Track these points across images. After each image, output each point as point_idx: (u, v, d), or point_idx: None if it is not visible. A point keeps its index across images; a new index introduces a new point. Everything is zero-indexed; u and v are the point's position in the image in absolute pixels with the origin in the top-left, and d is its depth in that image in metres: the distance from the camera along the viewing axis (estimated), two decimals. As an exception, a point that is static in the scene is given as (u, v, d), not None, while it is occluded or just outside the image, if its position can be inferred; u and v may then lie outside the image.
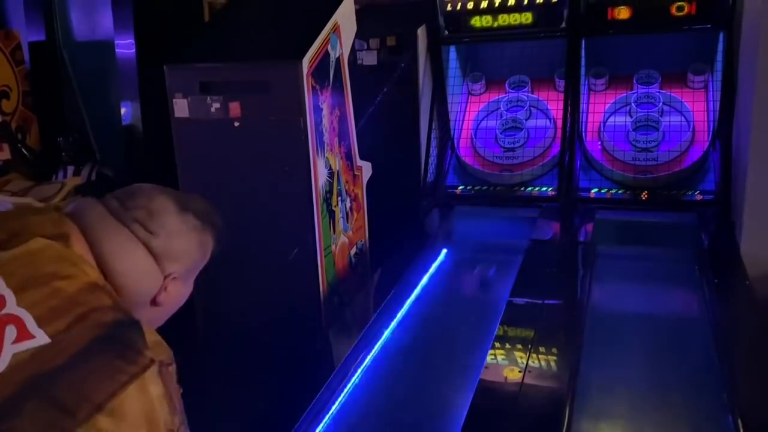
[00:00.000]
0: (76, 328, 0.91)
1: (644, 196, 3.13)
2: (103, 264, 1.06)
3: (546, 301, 2.34)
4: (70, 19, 3.78)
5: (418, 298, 2.68)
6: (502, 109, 3.55)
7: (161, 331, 1.49)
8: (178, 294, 1.19)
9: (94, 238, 1.06)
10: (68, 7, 3.76)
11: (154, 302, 1.15)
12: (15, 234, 0.99)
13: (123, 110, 3.50)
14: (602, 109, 3.40)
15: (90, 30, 3.73)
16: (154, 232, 1.11)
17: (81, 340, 0.90)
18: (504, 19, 3.35)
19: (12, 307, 0.90)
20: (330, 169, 2.56)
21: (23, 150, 3.60)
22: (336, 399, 1.98)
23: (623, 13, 3.15)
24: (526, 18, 3.32)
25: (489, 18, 3.37)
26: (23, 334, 0.88)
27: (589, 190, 3.23)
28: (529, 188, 3.36)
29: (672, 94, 3.31)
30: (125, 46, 3.38)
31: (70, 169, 3.45)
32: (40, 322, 0.89)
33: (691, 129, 3.20)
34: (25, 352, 0.86)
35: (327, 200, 2.53)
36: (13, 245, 0.97)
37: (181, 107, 2.49)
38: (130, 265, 1.09)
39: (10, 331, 0.87)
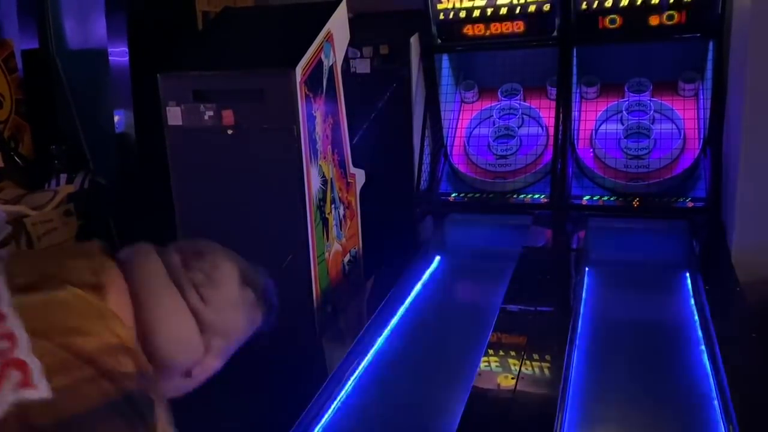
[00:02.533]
0: (84, 388, 0.83)
1: (636, 203, 3.15)
2: (144, 326, 0.98)
3: (539, 308, 2.35)
4: (63, 27, 3.77)
5: (411, 305, 2.69)
6: (494, 116, 3.57)
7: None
8: (211, 368, 1.10)
9: (141, 296, 0.99)
10: (61, 16, 3.76)
11: (186, 373, 1.06)
12: (48, 277, 0.92)
13: (116, 118, 3.50)
14: (594, 116, 3.42)
15: (83, 38, 3.73)
16: (209, 301, 1.04)
17: (85, 403, 0.82)
18: (496, 28, 3.37)
19: (23, 351, 0.83)
20: (323, 176, 2.56)
21: (16, 158, 3.59)
22: (329, 406, 1.99)
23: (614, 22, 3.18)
24: (518, 27, 3.34)
25: (481, 26, 3.39)
26: (26, 381, 0.81)
27: (581, 197, 3.25)
28: (522, 195, 3.38)
29: (663, 101, 3.33)
30: (118, 54, 3.39)
31: (63, 177, 3.44)
32: (47, 374, 0.82)
33: (681, 136, 3.23)
34: (22, 403, 0.79)
35: (320, 208, 2.53)
36: (42, 288, 0.90)
37: (174, 115, 2.49)
38: (174, 334, 1.01)
39: (14, 376, 0.81)
